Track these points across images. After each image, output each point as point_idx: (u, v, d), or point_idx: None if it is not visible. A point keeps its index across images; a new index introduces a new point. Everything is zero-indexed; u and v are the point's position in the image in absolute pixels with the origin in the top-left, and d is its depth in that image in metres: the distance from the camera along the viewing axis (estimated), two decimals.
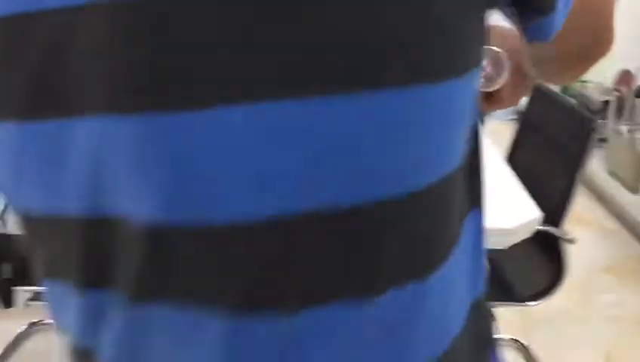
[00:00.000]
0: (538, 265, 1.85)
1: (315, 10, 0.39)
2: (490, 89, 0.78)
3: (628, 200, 3.28)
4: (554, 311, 2.45)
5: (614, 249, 3.16)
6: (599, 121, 1.84)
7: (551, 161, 1.90)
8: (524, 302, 1.80)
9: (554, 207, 1.78)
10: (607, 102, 3.69)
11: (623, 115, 3.48)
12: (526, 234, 1.43)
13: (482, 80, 0.76)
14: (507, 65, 0.77)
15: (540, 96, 2.02)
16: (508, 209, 1.43)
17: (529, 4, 0.50)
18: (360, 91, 0.40)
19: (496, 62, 0.76)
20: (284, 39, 0.39)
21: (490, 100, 0.76)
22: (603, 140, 3.43)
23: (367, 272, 0.45)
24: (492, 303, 0.83)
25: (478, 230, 0.55)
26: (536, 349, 2.17)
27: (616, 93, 3.58)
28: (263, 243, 0.43)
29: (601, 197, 3.47)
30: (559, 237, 1.73)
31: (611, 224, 3.37)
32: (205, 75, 0.40)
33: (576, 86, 4.20)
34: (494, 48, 0.75)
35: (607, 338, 2.49)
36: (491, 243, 0.65)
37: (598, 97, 3.82)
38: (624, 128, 3.35)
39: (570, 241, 1.71)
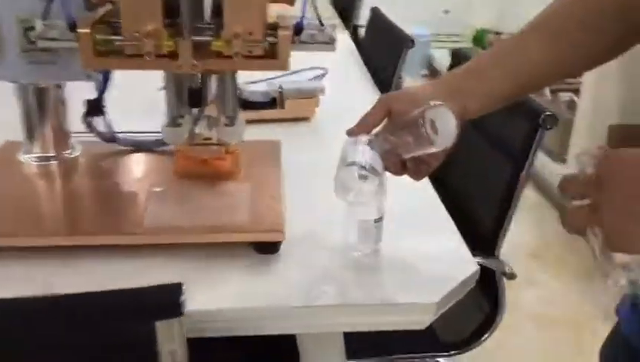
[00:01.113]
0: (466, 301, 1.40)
1: None
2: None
3: (552, 170, 2.93)
4: None
5: (539, 227, 2.81)
6: None
7: (487, 164, 1.43)
8: (446, 351, 1.37)
9: (489, 228, 1.33)
10: None
11: None
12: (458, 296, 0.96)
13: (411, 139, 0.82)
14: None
15: None
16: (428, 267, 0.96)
17: None
18: None
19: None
20: None
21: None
22: None
23: None
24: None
25: None
26: None
27: None
28: None
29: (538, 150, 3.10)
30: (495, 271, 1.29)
31: (534, 196, 3.03)
32: None
33: (490, 37, 3.78)
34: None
35: (537, 348, 2.13)
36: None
37: None
38: (546, 89, 2.97)
39: (511, 277, 1.27)
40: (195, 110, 0.99)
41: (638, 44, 0.85)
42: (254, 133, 1.40)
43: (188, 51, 0.85)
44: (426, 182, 1.17)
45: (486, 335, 1.36)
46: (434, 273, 0.94)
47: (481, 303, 1.39)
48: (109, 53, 0.86)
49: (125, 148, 1.18)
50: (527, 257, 2.63)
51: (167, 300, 0.73)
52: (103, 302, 0.73)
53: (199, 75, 0.96)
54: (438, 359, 1.51)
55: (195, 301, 0.83)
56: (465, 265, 0.97)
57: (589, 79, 2.76)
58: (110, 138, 1.17)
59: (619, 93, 2.64)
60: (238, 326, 0.86)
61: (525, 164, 1.25)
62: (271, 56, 0.87)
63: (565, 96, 3.04)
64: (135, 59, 0.85)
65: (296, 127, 1.49)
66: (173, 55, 0.85)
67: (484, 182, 1.43)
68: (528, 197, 3.00)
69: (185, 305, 0.73)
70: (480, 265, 1.29)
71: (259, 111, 1.49)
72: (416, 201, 1.11)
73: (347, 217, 0.95)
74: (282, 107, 1.50)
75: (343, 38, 2.25)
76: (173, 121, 0.95)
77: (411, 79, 4.24)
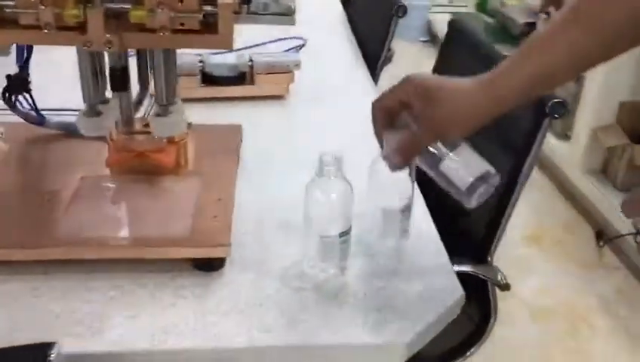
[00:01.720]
0: None
1: None
2: None
3: (555, 148, 2.74)
4: None
5: (538, 208, 2.64)
6: None
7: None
8: None
9: (482, 231, 1.15)
10: (531, 25, 3.08)
11: None
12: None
13: None
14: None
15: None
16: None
17: None
18: None
19: None
20: None
21: None
22: None
23: None
24: None
25: None
26: None
27: (544, 16, 2.97)
28: None
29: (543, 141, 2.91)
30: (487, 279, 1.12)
31: (535, 174, 2.85)
32: None
33: (495, 3, 3.55)
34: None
35: (536, 343, 1.98)
36: None
37: (521, 18, 3.21)
38: None
39: (505, 288, 1.10)
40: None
41: None
42: (217, 114, 1.21)
43: (99, 23, 0.66)
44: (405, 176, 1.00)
45: (473, 349, 1.20)
46: (408, 300, 0.77)
47: (471, 312, 1.23)
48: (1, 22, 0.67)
49: (54, 132, 1.00)
50: (525, 240, 2.46)
51: None
52: None
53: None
54: None
55: (103, 339, 0.66)
56: (447, 289, 0.80)
57: None
58: (36, 120, 0.99)
59: (632, 68, 2.44)
60: None
61: (527, 159, 1.07)
62: (209, 30, 0.69)
63: None
64: (32, 31, 0.66)
65: (268, 106, 1.30)
66: (81, 27, 0.67)
67: None
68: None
69: None
70: (470, 273, 1.13)
71: (224, 88, 1.30)
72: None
73: (306, 228, 0.78)
74: (252, 83, 1.31)
75: (333, 4, 2.04)
76: (91, 110, 0.77)
77: (409, 44, 4.03)
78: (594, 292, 2.17)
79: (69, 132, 1.00)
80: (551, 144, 2.76)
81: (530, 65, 0.71)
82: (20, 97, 0.97)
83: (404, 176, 0.80)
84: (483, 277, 1.11)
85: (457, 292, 0.80)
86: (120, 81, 0.76)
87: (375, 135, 0.76)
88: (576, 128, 2.68)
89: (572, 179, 2.64)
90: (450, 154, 0.74)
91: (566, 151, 2.69)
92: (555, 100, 1.02)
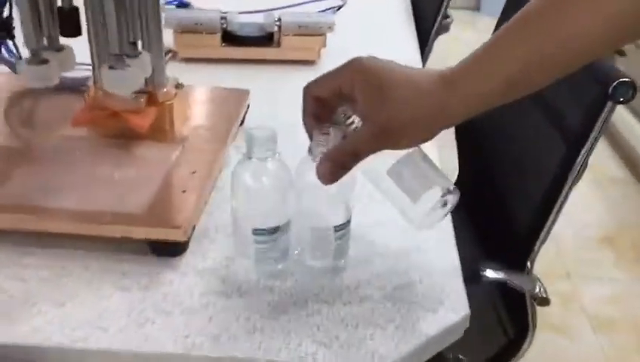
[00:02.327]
0: (485, 320, 1.07)
1: None
2: None
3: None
4: None
5: (618, 208, 2.38)
6: None
7: (536, 144, 1.08)
8: None
9: (521, 233, 0.98)
10: None
11: None
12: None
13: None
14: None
15: None
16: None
17: None
18: None
19: None
20: None
21: None
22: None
23: None
24: None
25: None
26: None
27: None
28: None
29: (604, 130, 2.63)
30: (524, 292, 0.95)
31: (617, 169, 2.57)
32: None
33: None
34: None
35: (597, 358, 1.77)
36: None
37: None
38: None
39: (544, 303, 0.93)
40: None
41: None
42: (236, 77, 1.08)
43: None
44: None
45: None
46: (392, 317, 0.62)
47: (505, 324, 1.06)
48: None
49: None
50: (598, 242, 2.22)
51: None
52: None
53: None
54: None
55: (14, 329, 0.56)
56: (448, 304, 0.64)
57: None
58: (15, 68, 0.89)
59: None
60: None
61: (582, 150, 0.89)
62: None
63: None
64: None
65: (294, 72, 1.16)
66: None
67: (529, 165, 1.07)
68: (609, 168, 2.55)
69: None
70: (504, 282, 0.96)
71: (247, 49, 1.17)
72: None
73: (297, 218, 0.64)
74: (278, 45, 1.18)
75: None
76: (35, 57, 0.65)
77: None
78: None
79: (60, 86, 0.90)
80: (635, 130, 2.48)
81: (525, 48, 0.54)
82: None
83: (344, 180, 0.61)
84: (519, 289, 0.94)
85: (462, 308, 0.64)
86: (69, 23, 0.64)
87: (304, 128, 0.61)
88: None
89: None
90: (399, 160, 0.59)
91: None
92: (622, 80, 0.83)
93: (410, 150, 0.60)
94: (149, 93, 0.80)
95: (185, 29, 1.15)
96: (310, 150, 0.61)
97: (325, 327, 0.60)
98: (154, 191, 0.70)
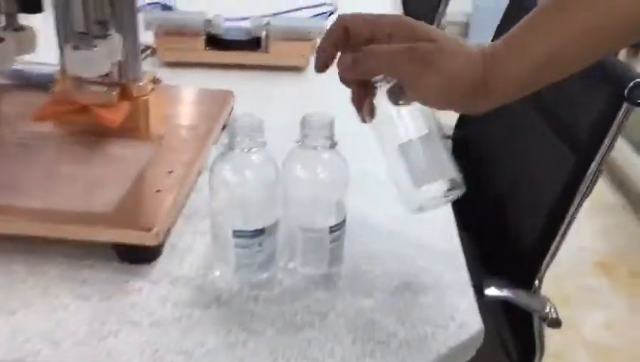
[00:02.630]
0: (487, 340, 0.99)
1: None
2: None
3: (630, 160, 2.41)
4: None
5: (613, 231, 2.32)
6: None
7: (542, 153, 1.01)
8: None
9: (526, 250, 0.91)
10: None
11: None
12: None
13: None
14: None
15: None
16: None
17: None
18: None
19: None
20: None
21: None
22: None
23: None
24: None
25: None
26: None
27: None
28: None
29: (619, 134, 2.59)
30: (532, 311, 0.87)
31: (610, 195, 2.52)
32: None
33: None
34: None
35: None
36: None
37: None
38: None
39: (554, 324, 0.85)
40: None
41: None
42: (221, 82, 1.01)
43: None
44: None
45: None
46: (398, 333, 0.54)
47: (509, 347, 0.98)
48: None
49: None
50: (594, 267, 2.15)
51: None
52: None
53: None
54: None
55: None
56: (459, 320, 0.56)
57: None
58: None
59: None
60: None
61: (595, 158, 0.82)
62: None
63: None
64: None
65: (283, 78, 1.09)
66: None
67: (534, 178, 1.00)
68: (603, 192, 2.50)
69: None
70: (509, 301, 0.88)
71: (233, 53, 1.10)
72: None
73: (285, 218, 0.57)
74: (266, 51, 1.11)
75: None
76: None
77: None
78: None
79: (27, 83, 0.83)
80: (629, 157, 2.44)
81: (566, 23, 0.49)
82: None
83: (337, 170, 0.55)
84: (527, 308, 0.86)
85: (475, 323, 0.56)
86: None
87: (317, 53, 0.54)
88: None
89: None
90: (417, 138, 0.55)
91: None
92: (638, 80, 0.77)
93: (428, 131, 0.54)
94: (122, 86, 0.72)
95: (167, 31, 1.08)
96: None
97: (318, 342, 0.51)
98: (124, 190, 0.62)
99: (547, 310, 0.85)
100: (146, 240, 0.57)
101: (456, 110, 0.56)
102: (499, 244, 1.00)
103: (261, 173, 0.55)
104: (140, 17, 0.71)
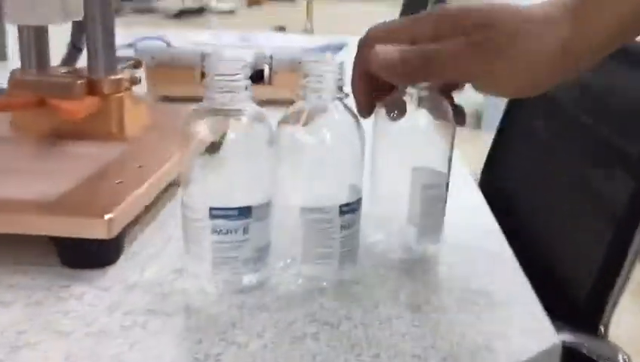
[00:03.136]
0: None
1: None
2: None
3: None
4: None
5: None
6: None
7: (578, 189, 0.87)
8: None
9: (582, 291, 0.74)
10: None
11: None
12: None
13: None
14: None
15: None
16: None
17: None
18: None
19: None
20: None
21: None
22: None
23: None
24: None
25: None
26: None
27: None
28: None
29: None
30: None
31: None
32: None
33: None
34: None
35: None
36: None
37: None
38: None
39: None
40: None
41: None
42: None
43: None
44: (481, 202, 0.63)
45: None
46: (451, 338, 0.38)
47: None
48: None
49: None
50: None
51: None
52: None
53: None
54: None
55: None
56: (526, 328, 0.40)
57: None
58: None
59: None
60: None
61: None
62: None
63: None
64: None
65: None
66: None
67: (579, 213, 0.84)
68: None
69: None
70: (568, 346, 0.71)
71: None
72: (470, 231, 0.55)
73: (281, 196, 0.42)
74: (270, 84, 1.00)
75: None
76: None
77: None
78: None
79: None
80: None
81: None
82: None
83: (349, 130, 0.43)
84: (592, 355, 0.68)
85: (551, 337, 0.40)
86: None
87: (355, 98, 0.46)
88: None
89: None
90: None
91: None
92: None
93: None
94: (92, 81, 0.60)
95: (159, 63, 0.97)
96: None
97: (326, 356, 0.36)
98: (78, 181, 0.48)
99: (619, 360, 0.67)
100: (96, 231, 0.42)
101: (544, 91, 0.43)
102: (547, 286, 0.83)
103: (247, 137, 0.41)
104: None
